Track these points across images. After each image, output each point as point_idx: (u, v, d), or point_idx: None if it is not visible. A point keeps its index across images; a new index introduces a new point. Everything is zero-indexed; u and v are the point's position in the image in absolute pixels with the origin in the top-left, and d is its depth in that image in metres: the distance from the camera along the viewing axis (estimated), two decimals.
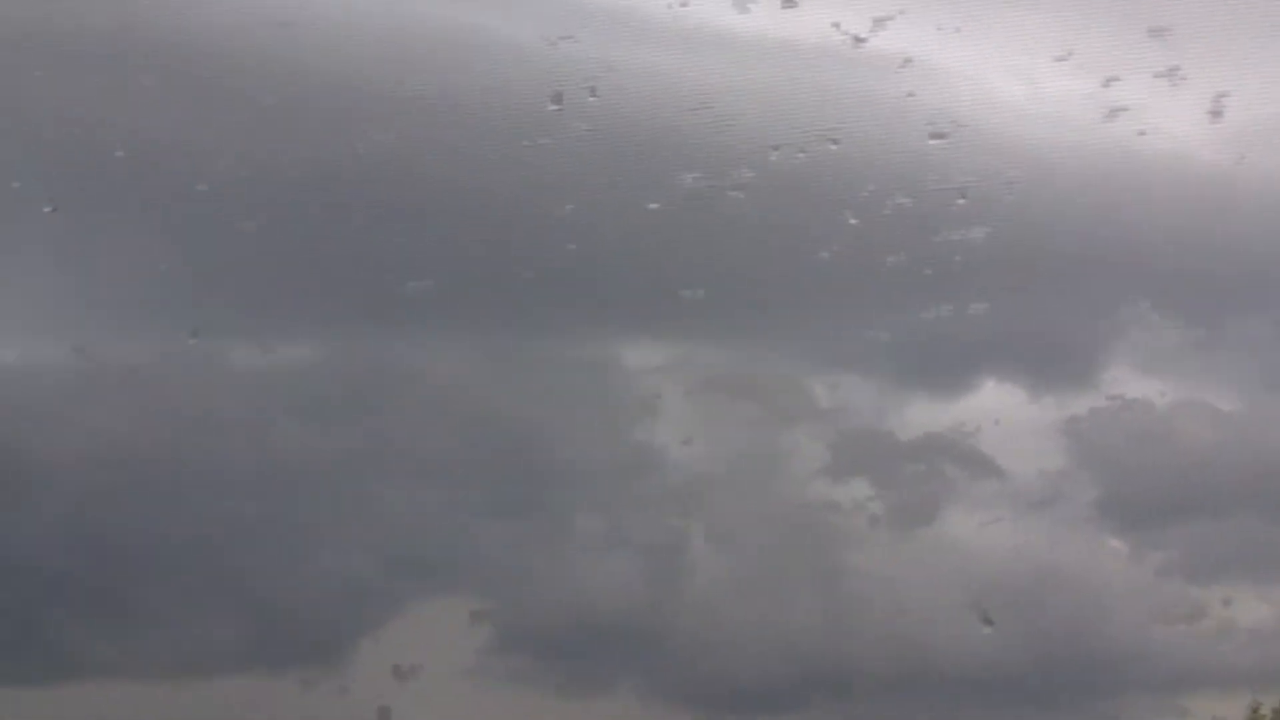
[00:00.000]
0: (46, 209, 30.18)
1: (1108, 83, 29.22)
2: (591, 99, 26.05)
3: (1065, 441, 49.20)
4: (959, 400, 47.08)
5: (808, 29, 29.50)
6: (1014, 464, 42.64)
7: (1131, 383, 45.46)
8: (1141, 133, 29.88)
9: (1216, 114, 28.48)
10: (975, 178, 29.89)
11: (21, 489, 46.78)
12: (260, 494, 43.39)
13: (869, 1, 27.73)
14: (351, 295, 34.52)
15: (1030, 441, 45.64)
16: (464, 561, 48.46)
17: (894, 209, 30.05)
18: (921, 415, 47.56)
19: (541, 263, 32.10)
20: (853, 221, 28.45)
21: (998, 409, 45.12)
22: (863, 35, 26.75)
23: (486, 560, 49.62)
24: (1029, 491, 47.73)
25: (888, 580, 52.08)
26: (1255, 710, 38.24)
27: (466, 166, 31.11)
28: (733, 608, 49.83)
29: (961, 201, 29.44)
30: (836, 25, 27.25)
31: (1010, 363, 46.77)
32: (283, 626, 51.14)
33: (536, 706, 49.00)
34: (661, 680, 55.43)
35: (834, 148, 27.40)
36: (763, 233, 30.65)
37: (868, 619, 50.99)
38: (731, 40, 30.07)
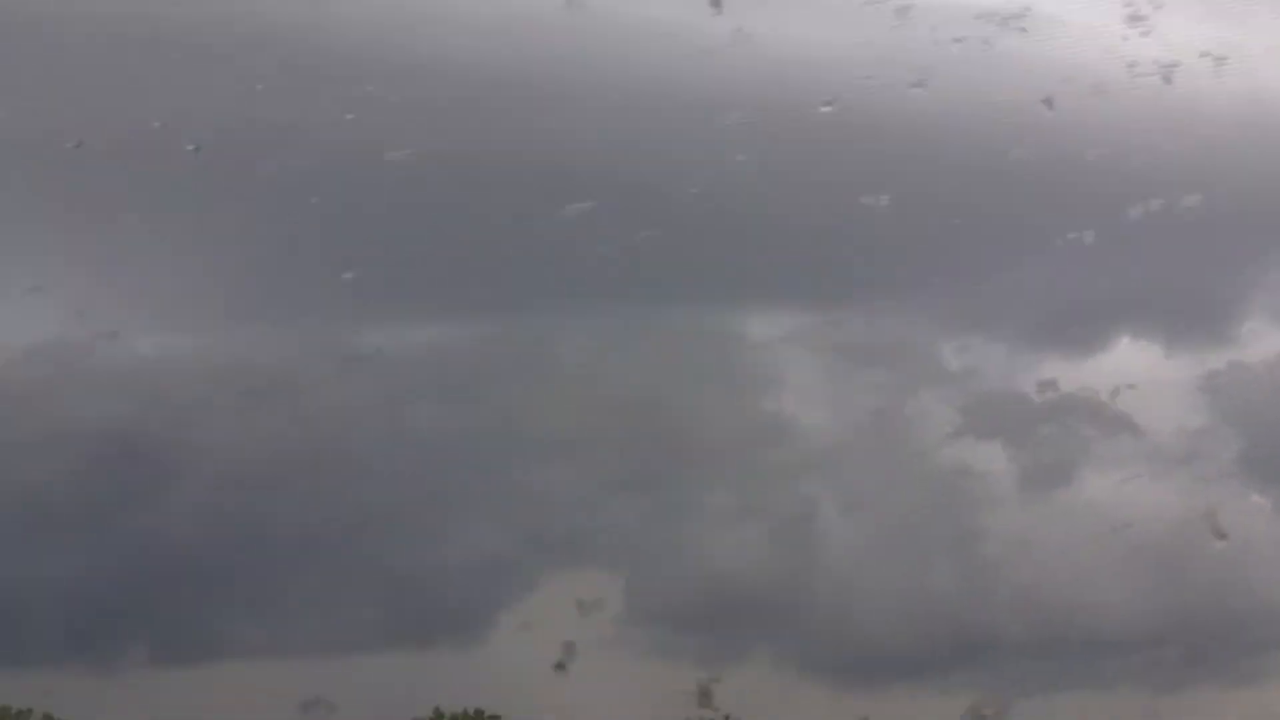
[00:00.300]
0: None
1: None
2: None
3: (1204, 398, 48.40)
4: (1092, 359, 46.53)
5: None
6: (1151, 422, 42.09)
7: (1271, 336, 44.53)
8: None
9: None
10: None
11: (171, 479, 48.01)
12: (396, 476, 44.17)
13: None
14: (481, 278, 34.93)
15: (1168, 399, 44.95)
16: (599, 535, 48.97)
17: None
18: (1055, 375, 46.98)
19: (664, 233, 32.11)
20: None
21: (1133, 367, 44.51)
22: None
23: (621, 534, 50.05)
24: (1168, 449, 47.04)
25: (1024, 542, 51.53)
26: None
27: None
28: (867, 575, 49.71)
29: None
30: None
31: (1145, 319, 46.08)
32: (423, 604, 51.97)
33: (675, 676, 49.30)
34: (796, 649, 55.36)
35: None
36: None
37: (1005, 582, 50.58)
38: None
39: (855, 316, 45.34)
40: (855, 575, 49.97)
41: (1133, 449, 41.90)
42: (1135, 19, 25.03)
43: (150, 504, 52.98)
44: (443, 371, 43.22)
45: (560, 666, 31.15)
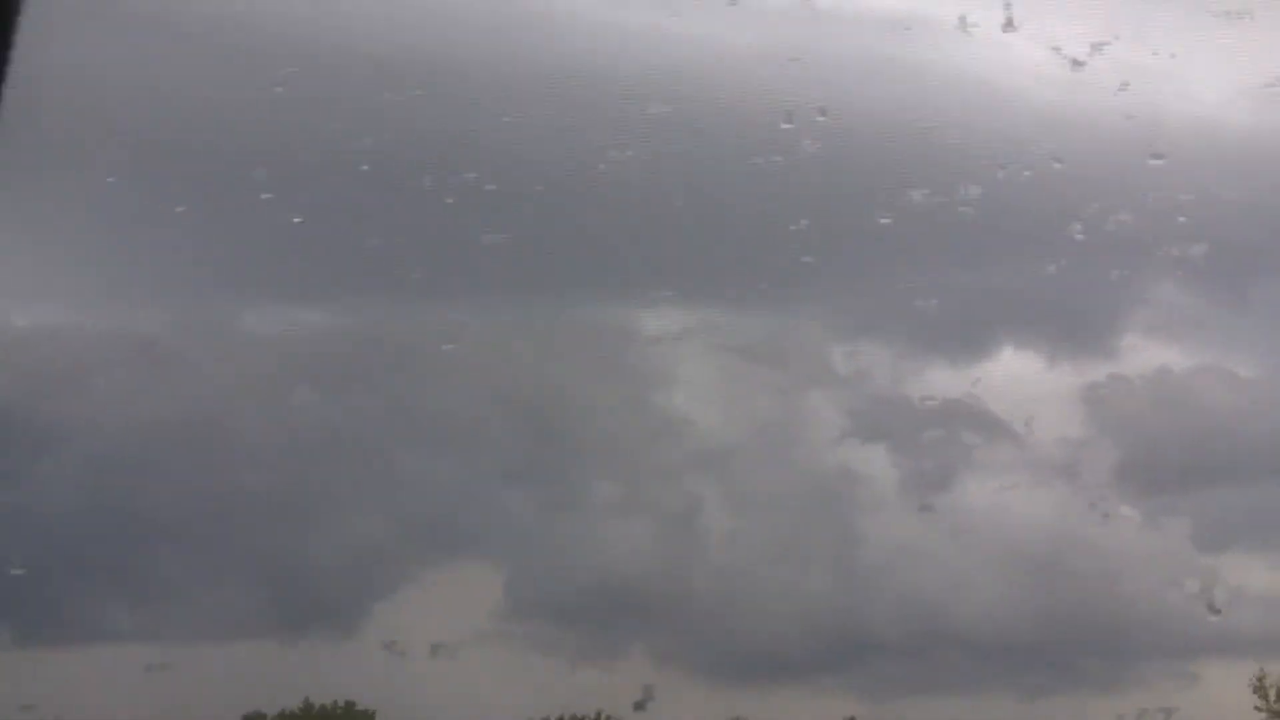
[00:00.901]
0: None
1: None
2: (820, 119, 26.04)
3: (1084, 409, 49.24)
4: (976, 367, 47.10)
5: (1027, 51, 29.66)
6: (1032, 431, 42.65)
7: (1148, 350, 45.46)
8: None
9: None
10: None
11: (41, 456, 46.73)
12: (274, 461, 43.42)
13: (1085, 26, 28.14)
14: (368, 264, 34.39)
15: (1049, 409, 45.64)
16: (482, 528, 48.60)
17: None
18: (940, 381, 47.51)
19: (559, 225, 31.87)
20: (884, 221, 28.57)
21: (1016, 376, 45.12)
22: (1080, 59, 26.62)
23: (505, 526, 49.73)
24: (1047, 458, 47.79)
25: (905, 546, 52.09)
26: (1260, 679, 38.28)
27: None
28: (750, 574, 49.90)
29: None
30: (1056, 49, 27.45)
31: (1029, 331, 46.73)
32: (297, 592, 51.20)
33: (553, 671, 49.09)
34: (678, 646, 55.45)
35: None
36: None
37: (885, 585, 51.06)
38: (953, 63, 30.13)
39: (749, 317, 45.46)
40: (738, 574, 50.14)
41: (1013, 457, 42.48)
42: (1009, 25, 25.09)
43: (17, 480, 51.61)
44: (326, 356, 42.56)
45: None
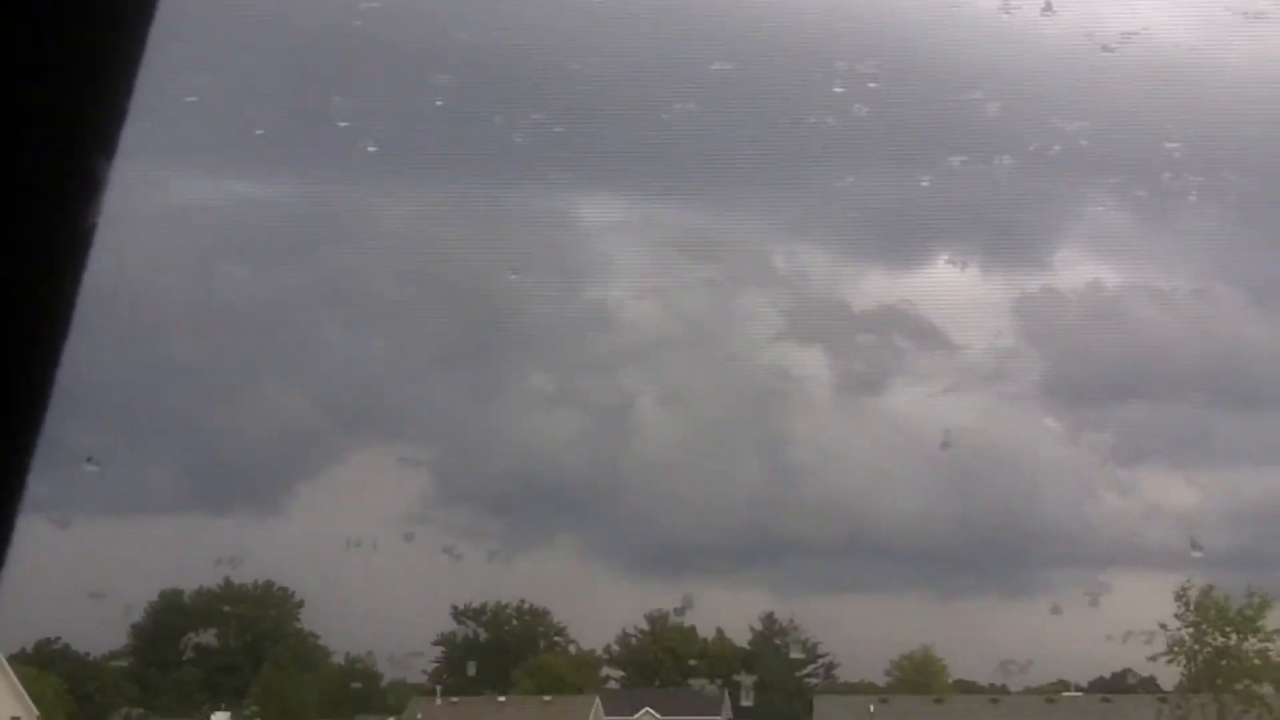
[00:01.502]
0: None
1: None
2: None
3: (1015, 320, 49.50)
4: (912, 275, 47.11)
5: (1062, 33, 30.50)
6: (964, 339, 42.82)
7: (1081, 265, 45.63)
8: None
9: None
10: None
11: None
12: (204, 333, 42.59)
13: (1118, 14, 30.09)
14: (309, 138, 33.61)
15: (982, 318, 45.82)
16: (408, 410, 48.16)
17: None
18: (875, 287, 47.52)
19: (505, 111, 31.31)
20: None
21: (950, 284, 45.18)
22: (1111, 45, 27.82)
23: (431, 410, 49.32)
24: (978, 366, 48.07)
25: (833, 449, 52.22)
26: (1184, 589, 38.99)
27: None
28: (678, 469, 49.93)
29: None
30: (1089, 35, 28.74)
31: (965, 241, 46.76)
32: (222, 469, 50.55)
33: (478, 557, 48.94)
34: (602, 537, 55.40)
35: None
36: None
37: (810, 486, 51.31)
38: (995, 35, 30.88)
39: (689, 211, 45.07)
40: (666, 469, 50.29)
41: (944, 364, 42.59)
42: None
43: None
44: (263, 229, 41.66)
45: None
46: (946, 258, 49.24)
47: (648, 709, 47.11)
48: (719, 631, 54.59)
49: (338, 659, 54.79)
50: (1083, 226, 43.63)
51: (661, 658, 54.17)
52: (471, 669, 50.57)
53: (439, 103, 27.92)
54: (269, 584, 56.94)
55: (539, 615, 56.62)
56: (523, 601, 55.93)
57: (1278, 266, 43.92)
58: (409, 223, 41.15)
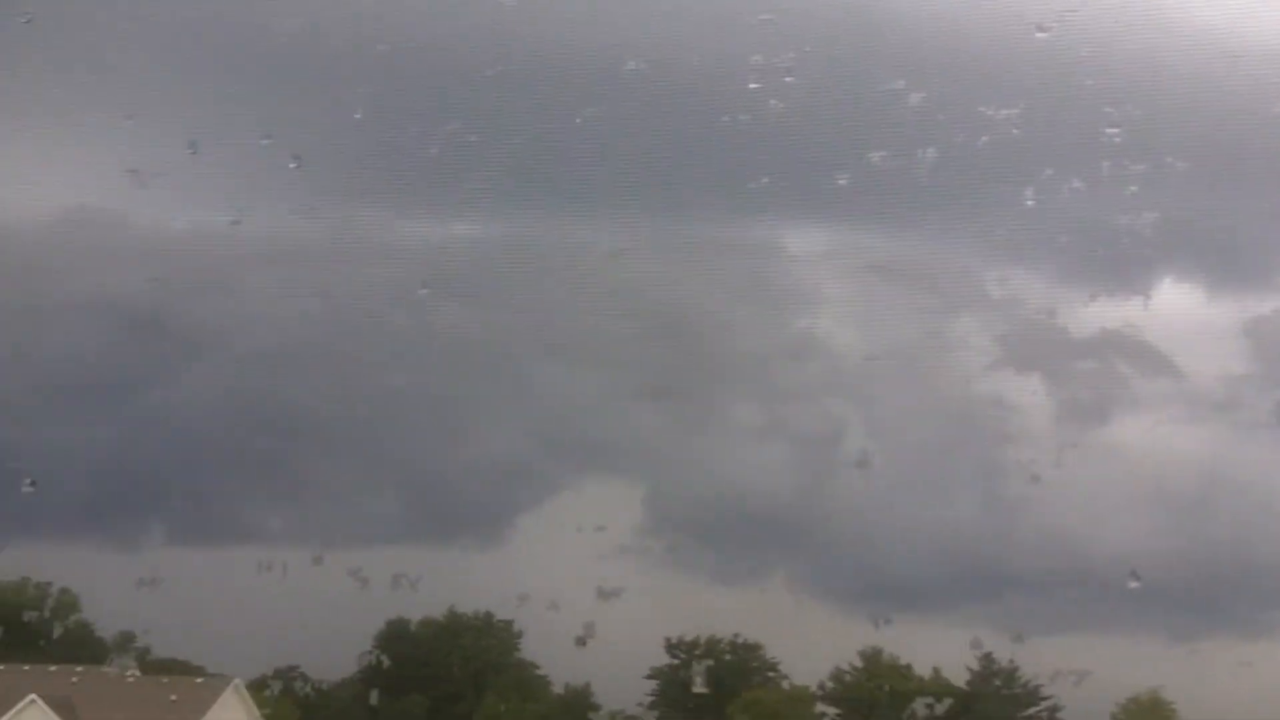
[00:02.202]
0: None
1: None
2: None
3: (1245, 343, 47.49)
4: (1134, 299, 45.63)
5: (988, 16, 30.23)
6: (1191, 364, 41.28)
7: None
8: None
9: None
10: None
11: (194, 359, 47.71)
12: (421, 370, 43.79)
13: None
14: (515, 178, 34.34)
15: (1208, 342, 44.09)
16: (620, 442, 48.67)
17: None
18: (1096, 312, 46.16)
19: (704, 142, 31.47)
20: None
21: (1175, 309, 43.64)
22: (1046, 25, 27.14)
23: (642, 442, 49.72)
24: (1206, 393, 46.23)
25: (1053, 479, 50.75)
26: None
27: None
28: (890, 501, 49.23)
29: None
30: (1019, 15, 28.16)
31: (1188, 262, 45.12)
32: (443, 502, 51.80)
33: (690, 589, 49.10)
34: (813, 570, 54.90)
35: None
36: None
37: (1029, 519, 50.01)
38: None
39: (897, 238, 44.56)
40: (877, 500, 49.59)
41: (1171, 391, 41.14)
42: None
43: (176, 381, 52.96)
44: (473, 268, 42.61)
45: (581, 642, 31.17)
46: (1171, 279, 47.67)
47: None
48: (935, 670, 53.57)
49: (557, 689, 55.66)
50: None
51: (876, 695, 53.34)
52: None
53: (636, 139, 28.27)
54: (489, 615, 58.16)
55: (752, 649, 56.40)
56: (736, 635, 55.85)
57: None
58: (615, 257, 41.63)
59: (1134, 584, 34.04)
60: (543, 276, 40.30)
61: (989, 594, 56.47)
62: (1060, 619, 57.73)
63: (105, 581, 54.00)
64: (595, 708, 54.39)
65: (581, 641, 32.11)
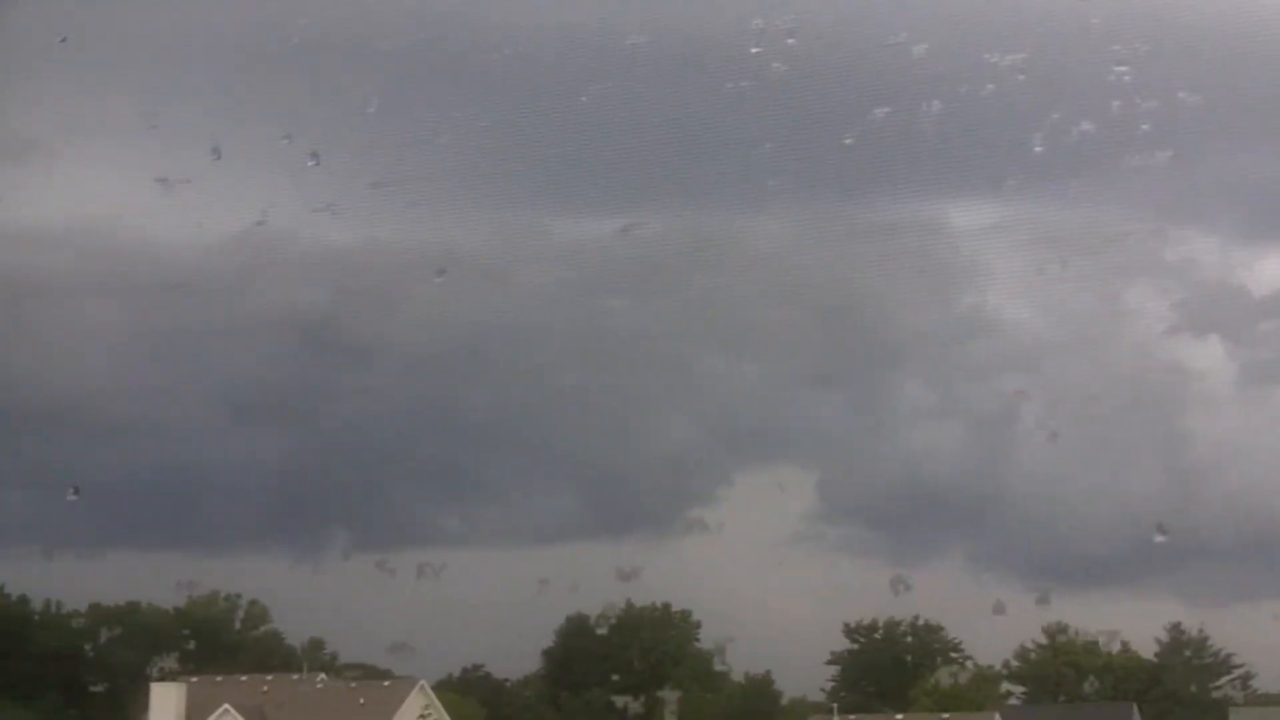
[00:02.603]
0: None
1: None
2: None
3: None
4: None
5: None
6: None
7: None
8: None
9: None
10: None
11: (365, 369, 48.41)
12: (589, 367, 43.97)
13: None
14: (674, 169, 34.20)
15: None
16: (789, 429, 48.38)
17: None
18: (1274, 270, 44.71)
19: (861, 123, 31.03)
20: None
21: None
22: None
23: (811, 428, 49.37)
24: None
25: (1237, 445, 49.32)
26: None
27: None
28: (1069, 475, 48.24)
29: None
30: None
31: None
32: (616, 497, 51.99)
33: (866, 573, 48.68)
34: (992, 548, 54.01)
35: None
36: None
37: (1213, 486, 48.68)
38: None
39: (1064, 207, 43.54)
40: (1056, 475, 48.66)
41: None
42: None
43: (353, 391, 53.92)
44: (635, 262, 42.60)
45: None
46: None
47: None
48: (1123, 644, 52.41)
49: (737, 678, 55.57)
50: None
51: (1063, 671, 52.32)
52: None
53: (780, 124, 27.91)
54: (667, 606, 58.14)
55: (933, 630, 55.66)
56: (916, 617, 55.15)
57: None
58: (774, 243, 41.33)
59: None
60: (708, 268, 40.16)
61: (1176, 565, 55.22)
62: (1250, 586, 56.18)
63: (293, 590, 55.24)
64: (777, 695, 54.21)
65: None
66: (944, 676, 50.24)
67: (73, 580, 56.33)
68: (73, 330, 47.16)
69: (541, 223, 43.32)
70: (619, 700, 51.15)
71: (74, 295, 43.79)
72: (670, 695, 48.58)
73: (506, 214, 41.69)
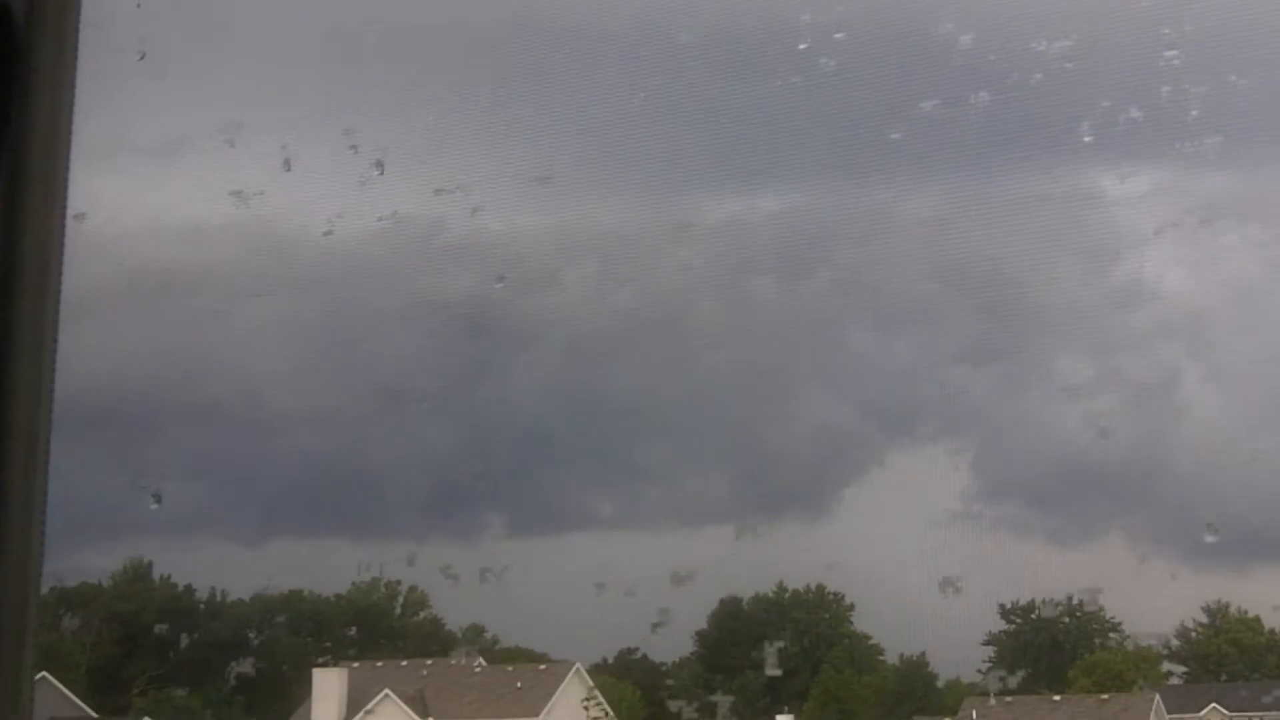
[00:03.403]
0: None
1: None
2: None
3: None
4: None
5: None
6: None
7: None
8: None
9: None
10: None
11: (519, 352, 48.87)
12: (738, 347, 43.99)
13: None
14: (817, 145, 34.12)
15: None
16: (942, 406, 47.85)
17: None
18: None
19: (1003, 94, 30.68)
20: None
21: None
22: None
23: (965, 404, 48.79)
24: None
25: None
26: None
27: None
28: (1232, 448, 47.05)
29: None
30: None
31: None
32: (769, 478, 51.94)
33: (1026, 552, 47.97)
34: (1152, 525, 52.90)
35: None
36: None
37: None
38: None
39: (1224, 171, 42.53)
40: (1218, 448, 47.50)
41: None
42: None
43: (507, 376, 54.57)
44: (782, 241, 42.52)
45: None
46: None
47: (1214, 705, 44.61)
48: None
49: (891, 660, 55.21)
50: None
51: (1225, 650, 51.13)
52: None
53: (931, 102, 27.70)
54: (821, 588, 57.98)
55: (1091, 611, 54.71)
56: (1072, 597, 54.29)
57: None
58: (920, 217, 40.94)
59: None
60: (855, 244, 39.88)
61: None
62: None
63: (453, 575, 56.04)
64: (932, 678, 53.74)
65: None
66: (1102, 658, 49.54)
67: (239, 568, 57.90)
68: (238, 324, 48.34)
69: (694, 202, 43.47)
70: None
71: (236, 291, 44.82)
72: None
73: (657, 197, 42.03)
